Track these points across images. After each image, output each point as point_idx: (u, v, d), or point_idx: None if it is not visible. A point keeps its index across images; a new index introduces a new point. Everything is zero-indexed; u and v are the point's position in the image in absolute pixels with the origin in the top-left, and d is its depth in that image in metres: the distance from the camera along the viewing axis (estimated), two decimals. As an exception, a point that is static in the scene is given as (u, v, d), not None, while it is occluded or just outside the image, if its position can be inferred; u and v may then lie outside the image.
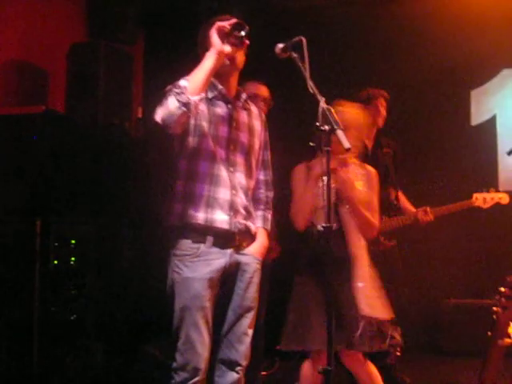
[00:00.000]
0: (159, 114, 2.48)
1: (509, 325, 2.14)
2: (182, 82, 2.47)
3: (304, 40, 2.45)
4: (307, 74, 2.42)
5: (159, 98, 2.50)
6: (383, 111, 4.14)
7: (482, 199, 4.05)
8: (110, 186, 3.95)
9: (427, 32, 5.13)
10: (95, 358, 3.75)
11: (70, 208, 3.68)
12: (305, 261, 3.06)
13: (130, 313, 4.02)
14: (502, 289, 2.09)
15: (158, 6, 5.08)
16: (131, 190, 4.09)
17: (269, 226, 2.83)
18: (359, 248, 3.01)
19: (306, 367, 3.09)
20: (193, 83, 2.46)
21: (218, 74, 2.61)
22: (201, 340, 2.55)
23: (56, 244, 3.51)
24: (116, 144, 3.99)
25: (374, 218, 3.09)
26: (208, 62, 2.50)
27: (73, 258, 3.67)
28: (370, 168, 3.19)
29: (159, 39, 5.24)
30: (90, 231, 3.80)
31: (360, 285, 2.94)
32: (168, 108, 2.44)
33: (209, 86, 2.61)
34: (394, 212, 4.05)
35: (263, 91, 3.66)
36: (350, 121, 2.96)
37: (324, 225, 2.27)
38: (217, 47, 2.48)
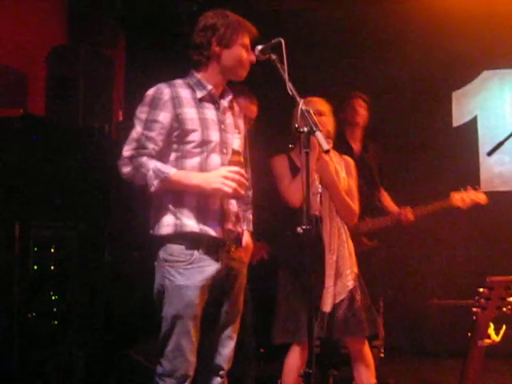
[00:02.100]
0: (131, 176, 2.50)
1: (489, 325, 2.15)
2: (167, 169, 2.47)
3: (283, 42, 2.44)
4: (286, 76, 2.41)
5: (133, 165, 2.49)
6: (362, 111, 4.20)
7: (460, 199, 3.98)
8: (90, 190, 3.91)
9: (409, 34, 5.17)
10: (76, 364, 3.71)
11: (50, 213, 3.64)
12: (290, 253, 3.09)
13: (111, 318, 3.98)
14: (481, 289, 2.10)
15: (138, 9, 5.06)
16: (112, 195, 4.05)
17: (251, 227, 2.81)
18: (333, 236, 3.07)
19: (291, 360, 3.10)
20: (177, 184, 2.48)
21: (212, 73, 2.60)
22: (190, 348, 2.52)
23: (36, 249, 3.48)
24: (96, 148, 3.96)
25: (354, 205, 3.19)
26: (202, 187, 2.48)
27: (53, 264, 3.63)
28: (347, 158, 3.31)
29: (140, 42, 5.21)
30: (70, 236, 3.76)
31: (326, 273, 3.03)
32: (146, 180, 2.47)
33: (197, 85, 2.60)
34: (377, 213, 4.08)
35: (253, 112, 3.52)
36: (322, 109, 3.13)
37: (303, 227, 2.26)
38: (221, 188, 2.46)
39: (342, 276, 3.06)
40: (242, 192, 2.51)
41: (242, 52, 2.58)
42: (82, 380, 3.69)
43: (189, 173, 2.52)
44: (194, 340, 2.53)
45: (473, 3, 5.09)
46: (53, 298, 3.63)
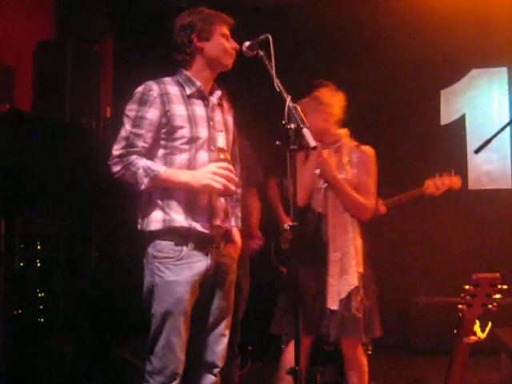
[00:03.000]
0: (122, 175, 2.50)
1: (474, 322, 2.15)
2: (157, 167, 2.47)
3: (270, 38, 2.44)
4: (273, 72, 2.40)
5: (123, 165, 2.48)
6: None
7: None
8: (76, 186, 3.89)
9: (397, 32, 5.18)
10: (64, 360, 3.70)
11: (36, 209, 3.61)
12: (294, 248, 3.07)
13: (98, 315, 3.96)
14: (467, 286, 2.10)
15: (126, 3, 5.03)
16: (98, 191, 4.03)
17: (240, 224, 2.80)
18: (338, 233, 3.03)
19: (289, 354, 3.09)
20: (166, 182, 2.49)
21: (199, 69, 2.61)
22: (180, 344, 2.51)
23: (21, 245, 3.45)
24: (83, 143, 3.94)
25: (367, 199, 3.08)
26: (191, 184, 2.49)
27: (39, 260, 3.60)
28: (364, 148, 3.16)
29: (128, 37, 5.19)
30: (56, 232, 3.74)
31: (328, 272, 2.97)
32: (136, 179, 2.47)
33: (186, 81, 2.60)
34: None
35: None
36: (328, 103, 3.07)
37: (290, 224, 2.26)
38: (210, 183, 2.47)
39: (345, 274, 3.01)
40: (232, 188, 2.51)
41: (222, 41, 2.61)
42: (69, 378, 3.67)
43: (178, 170, 2.53)
44: (184, 337, 2.53)
45: (462, 2, 5.11)
46: (39, 294, 3.62)
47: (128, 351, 3.73)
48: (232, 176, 2.50)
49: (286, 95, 2.37)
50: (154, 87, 2.54)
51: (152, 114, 2.52)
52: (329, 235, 3.02)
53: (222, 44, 2.61)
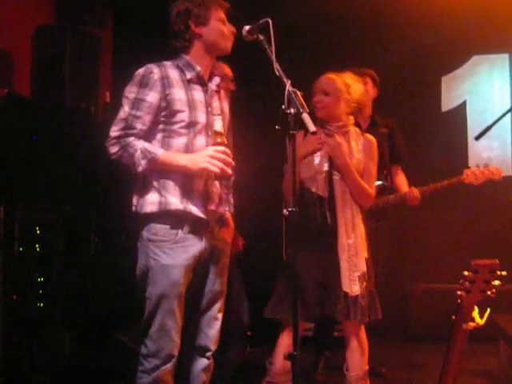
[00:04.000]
0: (119, 157, 2.49)
1: (473, 309, 2.15)
2: (155, 150, 2.47)
3: (270, 22, 2.42)
4: (273, 57, 2.39)
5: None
6: (370, 90, 4.06)
7: (473, 175, 3.82)
8: (75, 171, 3.89)
9: (397, 18, 5.13)
10: (63, 346, 3.71)
11: (35, 194, 3.61)
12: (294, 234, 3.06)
13: (97, 299, 3.97)
14: (466, 272, 2.10)
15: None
16: (98, 176, 4.03)
17: (232, 209, 2.82)
18: (348, 218, 3.02)
19: (284, 340, 3.10)
20: (164, 164, 2.48)
21: (198, 54, 2.61)
22: (175, 327, 2.53)
23: (21, 231, 3.45)
24: (82, 129, 3.92)
25: (370, 187, 3.09)
26: (189, 167, 2.49)
27: (38, 245, 3.61)
28: (368, 136, 3.17)
29: (128, 22, 5.15)
30: (55, 217, 3.74)
31: (342, 257, 2.97)
32: (133, 160, 2.47)
33: (186, 66, 2.61)
34: (385, 192, 3.99)
35: (230, 71, 3.62)
36: (340, 88, 3.05)
37: (290, 209, 2.26)
38: (207, 165, 2.47)
39: (356, 258, 3.01)
40: (229, 171, 2.52)
41: (219, 25, 2.62)
42: (68, 362, 3.68)
43: (176, 153, 2.53)
44: (179, 320, 2.55)
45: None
46: (38, 279, 3.62)
47: (128, 336, 3.74)
48: (229, 160, 2.51)
49: (285, 80, 2.37)
50: (154, 70, 2.55)
51: (152, 96, 2.52)
52: (338, 220, 3.01)
53: (219, 28, 2.61)
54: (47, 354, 3.59)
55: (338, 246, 2.98)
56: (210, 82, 2.69)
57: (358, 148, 3.11)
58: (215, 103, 2.69)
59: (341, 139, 3.06)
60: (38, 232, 3.61)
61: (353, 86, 3.11)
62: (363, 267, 3.00)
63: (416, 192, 3.87)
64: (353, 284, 2.95)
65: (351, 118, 3.15)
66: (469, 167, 3.89)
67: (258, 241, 4.01)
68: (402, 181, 4.10)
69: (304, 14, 5.25)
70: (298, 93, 2.34)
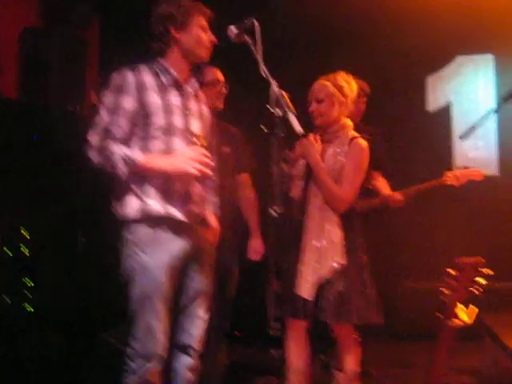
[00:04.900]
0: (101, 165, 2.50)
1: (457, 306, 2.17)
2: (135, 155, 2.47)
3: (256, 23, 2.44)
4: (259, 58, 2.40)
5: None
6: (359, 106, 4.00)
7: (454, 177, 3.92)
8: (62, 172, 3.88)
9: (383, 18, 5.16)
10: (50, 347, 3.70)
11: (22, 196, 3.60)
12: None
13: (85, 300, 3.96)
14: (450, 270, 2.13)
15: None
16: (85, 177, 4.02)
17: (218, 210, 2.85)
18: (317, 222, 3.02)
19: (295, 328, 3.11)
20: (144, 169, 2.49)
21: (175, 58, 2.62)
22: (160, 327, 2.54)
23: (7, 233, 3.44)
24: (68, 130, 3.91)
25: (346, 192, 3.03)
26: (168, 170, 2.51)
27: (25, 247, 3.60)
28: (359, 141, 3.10)
29: (115, 23, 5.14)
30: (42, 219, 3.73)
31: (303, 260, 2.98)
32: (115, 168, 2.47)
33: (162, 70, 2.61)
34: (366, 195, 4.02)
35: (221, 76, 3.63)
36: (332, 93, 3.05)
37: (278, 210, 2.28)
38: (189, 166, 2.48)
39: (319, 264, 3.00)
40: (209, 172, 2.53)
41: (199, 33, 2.62)
42: (56, 362, 3.67)
43: (155, 157, 2.54)
44: (165, 320, 2.56)
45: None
46: (25, 280, 3.62)
47: (115, 337, 3.74)
48: (207, 161, 2.52)
49: (271, 81, 2.38)
50: (129, 74, 2.55)
51: (128, 102, 2.52)
52: (307, 223, 3.02)
53: (198, 36, 2.62)
54: (34, 355, 3.58)
55: (301, 249, 2.99)
56: (187, 85, 2.70)
57: (343, 152, 3.07)
58: (193, 106, 2.70)
59: (316, 138, 3.06)
60: (25, 233, 3.60)
61: (346, 87, 3.11)
62: (326, 274, 2.97)
63: (398, 194, 3.93)
64: (306, 288, 2.94)
65: (348, 120, 3.15)
66: (450, 169, 3.98)
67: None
68: (382, 186, 4.12)
69: (289, 15, 5.27)
70: (285, 94, 2.35)
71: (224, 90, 3.56)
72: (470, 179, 3.95)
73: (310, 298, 2.93)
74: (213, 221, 2.79)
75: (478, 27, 5.10)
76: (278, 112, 2.30)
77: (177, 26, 2.60)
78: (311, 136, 3.04)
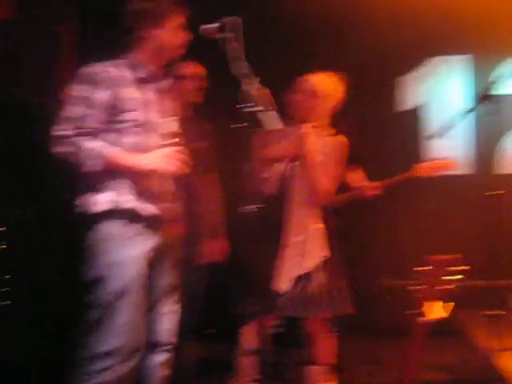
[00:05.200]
0: (68, 156, 2.47)
1: (429, 303, 2.19)
2: (108, 149, 2.45)
3: (239, 20, 2.44)
4: (234, 55, 2.40)
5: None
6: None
7: (423, 168, 3.94)
8: (38, 170, 3.84)
9: (358, 18, 5.16)
10: (28, 343, 3.67)
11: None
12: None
13: (62, 298, 3.93)
14: (420, 268, 2.14)
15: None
16: (60, 175, 3.98)
17: (182, 207, 2.81)
18: (298, 216, 3.03)
19: (248, 331, 3.11)
20: (118, 164, 2.47)
21: (147, 54, 2.61)
22: (142, 321, 2.55)
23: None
24: (42, 125, 3.87)
25: (328, 186, 3.11)
26: (142, 166, 2.50)
27: (2, 244, 3.57)
28: (340, 138, 3.22)
29: (91, 17, 5.08)
30: (19, 217, 3.70)
31: (283, 254, 2.98)
32: (85, 160, 2.44)
33: (136, 65, 2.61)
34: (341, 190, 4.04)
35: (200, 70, 3.62)
36: (316, 89, 3.13)
37: (249, 207, 2.28)
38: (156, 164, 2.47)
39: (301, 257, 3.02)
40: (182, 170, 2.54)
41: (173, 30, 2.61)
42: (31, 361, 3.64)
43: (129, 153, 2.53)
44: (142, 313, 2.55)
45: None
46: (3, 277, 3.60)
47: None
48: (181, 158, 2.53)
49: (250, 78, 2.38)
50: (104, 68, 2.55)
51: (101, 94, 2.50)
52: (287, 220, 3.03)
53: (172, 34, 2.61)
54: (9, 351, 3.55)
55: (281, 246, 3.00)
56: (161, 81, 2.69)
57: (324, 148, 3.12)
58: (165, 102, 2.69)
59: (312, 132, 3.07)
60: (2, 231, 3.57)
61: (326, 84, 3.13)
62: (309, 266, 3.00)
63: (373, 187, 3.93)
64: (286, 283, 2.96)
65: (327, 119, 3.18)
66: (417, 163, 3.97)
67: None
68: (356, 177, 4.15)
69: (266, 14, 5.24)
70: (264, 91, 2.36)
71: (202, 85, 3.54)
72: (442, 171, 3.96)
73: (291, 293, 2.95)
74: (180, 216, 2.78)
75: (452, 28, 5.13)
76: (252, 109, 2.30)
77: (151, 22, 2.58)
78: (307, 127, 3.04)
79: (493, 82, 3.34)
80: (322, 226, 3.09)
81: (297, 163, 3.12)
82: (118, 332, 2.51)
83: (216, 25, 2.57)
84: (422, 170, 3.92)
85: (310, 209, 3.08)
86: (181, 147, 2.55)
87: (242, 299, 3.06)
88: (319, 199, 3.08)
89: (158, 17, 2.58)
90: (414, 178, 3.92)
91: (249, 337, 3.12)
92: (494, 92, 3.42)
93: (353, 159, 4.18)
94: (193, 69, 3.56)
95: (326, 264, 3.07)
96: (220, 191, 3.71)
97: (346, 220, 4.01)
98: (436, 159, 4.03)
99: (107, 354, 2.52)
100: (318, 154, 3.07)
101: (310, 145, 3.04)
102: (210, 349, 4.45)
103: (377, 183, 3.91)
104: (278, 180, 3.09)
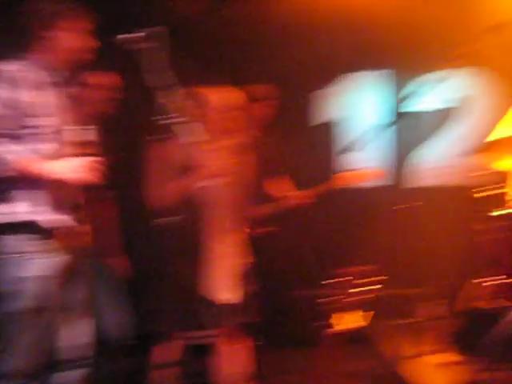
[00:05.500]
0: None
1: (339, 313, 2.26)
2: (13, 155, 2.36)
3: (164, 30, 2.43)
4: (165, 66, 2.39)
5: None
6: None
7: (344, 178, 4.06)
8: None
9: (272, 32, 5.22)
10: None
11: None
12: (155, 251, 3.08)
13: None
14: (329, 280, 2.20)
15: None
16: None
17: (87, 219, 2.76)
18: (223, 226, 3.06)
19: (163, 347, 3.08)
20: (22, 171, 2.39)
21: (52, 58, 2.57)
22: (39, 342, 2.46)
23: None
24: None
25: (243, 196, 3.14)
26: (49, 175, 2.43)
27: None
28: (257, 150, 3.31)
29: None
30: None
31: (212, 264, 3.00)
32: None
33: (40, 68, 2.54)
34: (264, 200, 4.10)
35: (110, 80, 3.56)
36: (233, 104, 3.17)
37: (163, 219, 2.28)
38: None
39: (232, 266, 3.05)
40: (92, 181, 2.49)
41: (73, 34, 2.57)
42: None
43: (37, 160, 2.44)
44: (45, 334, 2.47)
45: (340, 4, 5.20)
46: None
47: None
48: (94, 168, 2.47)
49: (172, 89, 2.38)
50: (6, 68, 2.45)
51: (6, 94, 2.42)
52: (211, 228, 3.05)
53: (72, 36, 2.57)
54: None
55: (208, 254, 3.03)
56: (69, 86, 2.64)
57: (245, 161, 3.17)
58: (73, 108, 2.64)
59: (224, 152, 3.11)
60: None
61: (232, 101, 3.18)
62: (236, 273, 3.05)
63: (298, 197, 4.02)
64: (221, 291, 3.00)
65: (245, 133, 3.22)
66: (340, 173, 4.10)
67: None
68: (281, 187, 4.21)
69: (184, 27, 5.22)
70: (187, 103, 2.36)
71: (113, 95, 3.48)
72: (363, 180, 4.09)
73: (233, 301, 2.97)
74: (85, 228, 2.71)
75: (366, 44, 5.25)
76: (170, 121, 2.30)
77: (52, 26, 2.54)
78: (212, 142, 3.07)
79: (407, 98, 3.47)
80: (245, 234, 3.14)
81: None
82: (19, 352, 2.43)
83: (140, 34, 2.55)
84: (346, 179, 4.04)
85: (234, 217, 3.12)
86: (93, 157, 2.49)
87: (156, 315, 3.04)
88: (247, 211, 3.15)
89: (55, 17, 2.53)
90: (338, 188, 4.03)
91: (164, 350, 3.11)
92: (409, 107, 3.55)
93: (277, 169, 4.27)
94: (102, 78, 3.49)
95: (247, 272, 3.12)
96: (116, 207, 3.63)
97: (274, 229, 4.10)
98: (358, 169, 4.16)
99: (9, 375, 2.43)
100: (228, 168, 3.11)
101: (211, 159, 3.07)
102: (126, 362, 4.39)
103: (306, 192, 4.00)
104: (199, 190, 3.10)
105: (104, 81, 3.48)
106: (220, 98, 3.16)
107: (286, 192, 4.18)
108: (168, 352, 3.14)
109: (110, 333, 3.23)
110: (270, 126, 4.33)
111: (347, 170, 4.18)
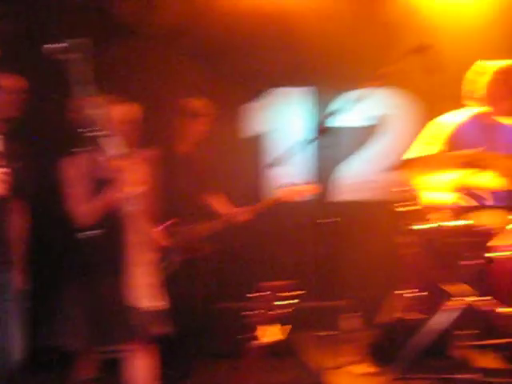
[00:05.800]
0: None
1: (262, 326, 2.29)
2: None
3: (88, 42, 2.41)
4: (87, 78, 2.37)
5: None
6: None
7: (287, 193, 4.16)
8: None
9: (199, 46, 5.29)
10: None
11: None
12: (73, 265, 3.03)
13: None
14: (253, 294, 2.23)
15: None
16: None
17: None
18: (140, 238, 3.05)
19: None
20: None
21: None
22: None
23: None
24: None
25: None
26: None
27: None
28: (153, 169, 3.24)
29: None
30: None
31: (131, 275, 2.98)
32: None
33: None
34: (207, 218, 4.12)
35: (15, 83, 3.33)
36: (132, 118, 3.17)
37: (88, 232, 2.25)
38: None
39: (157, 270, 3.06)
40: (6, 192, 2.42)
41: None
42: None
43: None
44: None
45: (268, 19, 5.30)
46: None
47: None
48: (5, 180, 2.42)
49: (95, 101, 2.36)
50: None
51: None
52: (128, 239, 3.05)
53: None
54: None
55: (128, 265, 3.03)
56: None
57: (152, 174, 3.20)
58: None
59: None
60: None
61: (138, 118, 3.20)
62: (156, 282, 3.07)
63: (240, 214, 4.07)
64: (141, 299, 3.00)
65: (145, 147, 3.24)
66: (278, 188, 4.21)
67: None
68: (220, 203, 4.31)
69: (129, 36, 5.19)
70: (109, 115, 2.34)
71: (18, 99, 3.35)
72: (304, 194, 4.25)
73: (153, 308, 2.96)
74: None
75: (295, 61, 5.37)
76: (93, 133, 2.28)
77: None
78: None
79: (330, 115, 3.57)
80: (162, 245, 3.17)
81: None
82: None
83: (62, 45, 2.51)
84: (287, 194, 4.12)
85: (150, 228, 3.14)
86: (1, 169, 2.42)
87: (66, 331, 2.99)
88: (153, 220, 3.17)
89: None
90: (278, 203, 4.11)
91: (83, 365, 3.05)
92: (331, 124, 3.65)
93: (210, 185, 4.30)
94: (7, 80, 3.37)
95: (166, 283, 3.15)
96: (26, 218, 3.55)
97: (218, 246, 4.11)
98: (296, 184, 4.25)
99: None
100: (144, 180, 3.13)
101: (127, 171, 3.06)
102: (46, 378, 4.27)
103: (248, 208, 4.05)
104: (118, 202, 3.08)
105: (9, 83, 3.33)
106: (121, 111, 3.18)
107: (227, 209, 4.23)
108: (83, 368, 3.08)
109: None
110: (203, 141, 4.36)
111: (284, 186, 4.24)
